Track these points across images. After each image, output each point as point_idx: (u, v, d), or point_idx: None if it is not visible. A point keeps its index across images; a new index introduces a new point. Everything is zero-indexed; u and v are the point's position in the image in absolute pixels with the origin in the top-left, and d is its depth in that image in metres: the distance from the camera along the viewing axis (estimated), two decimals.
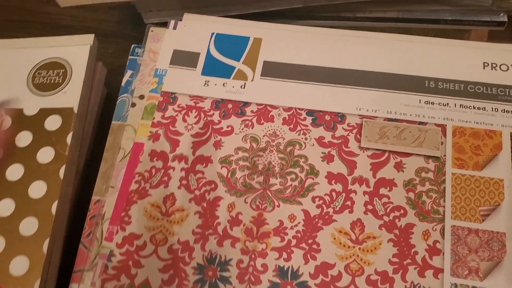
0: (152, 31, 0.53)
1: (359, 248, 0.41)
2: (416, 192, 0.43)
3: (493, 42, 0.51)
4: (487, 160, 0.44)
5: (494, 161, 0.43)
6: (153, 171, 0.45)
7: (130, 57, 0.52)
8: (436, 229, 0.41)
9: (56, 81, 0.49)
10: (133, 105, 0.49)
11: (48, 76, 0.49)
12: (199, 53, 0.51)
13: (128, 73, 0.51)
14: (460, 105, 0.46)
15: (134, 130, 0.47)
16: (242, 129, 0.47)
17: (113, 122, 0.49)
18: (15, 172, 0.45)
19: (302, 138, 0.46)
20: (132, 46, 0.53)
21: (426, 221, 0.42)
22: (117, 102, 0.49)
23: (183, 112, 0.48)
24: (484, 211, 0.42)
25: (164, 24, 0.53)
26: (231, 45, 0.51)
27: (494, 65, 0.48)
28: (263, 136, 0.46)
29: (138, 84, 0.50)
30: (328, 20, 0.57)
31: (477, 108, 0.46)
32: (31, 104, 0.48)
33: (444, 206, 0.42)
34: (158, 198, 0.44)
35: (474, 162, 0.44)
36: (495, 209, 0.42)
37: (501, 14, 0.54)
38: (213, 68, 0.50)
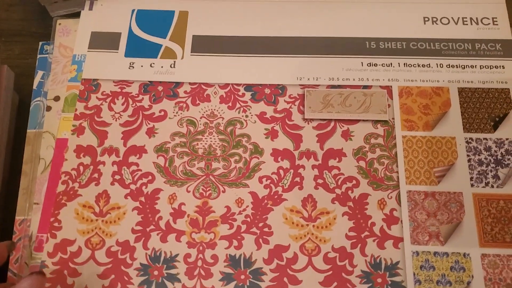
0: (60, 24, 0.47)
1: (313, 226, 0.38)
2: (367, 160, 0.40)
3: None
4: (437, 119, 0.42)
5: (444, 119, 0.41)
6: (81, 168, 0.41)
7: (39, 56, 0.46)
8: (391, 197, 0.39)
9: None
10: (49, 108, 0.43)
11: None
12: (120, 33, 0.46)
13: (39, 74, 0.45)
14: (404, 64, 0.44)
15: (53, 137, 0.42)
16: (177, 112, 0.42)
17: (28, 130, 0.43)
18: None
19: (242, 116, 0.42)
20: (40, 43, 0.47)
21: (380, 189, 0.39)
22: (31, 108, 0.44)
23: (108, 100, 0.43)
24: (439, 172, 0.40)
25: (74, 15, 0.47)
26: (155, 21, 0.46)
27: (434, 19, 0.46)
28: (200, 117, 0.42)
29: (51, 84, 0.44)
30: None
31: (422, 65, 0.44)
32: None
33: (397, 172, 0.40)
34: (89, 197, 0.40)
35: (424, 122, 0.41)
36: (450, 168, 0.40)
37: None
38: (138, 48, 0.45)
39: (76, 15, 0.47)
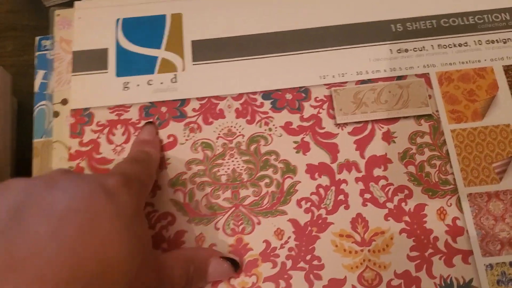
0: (58, 15, 0.40)
1: (369, 250, 0.33)
2: (417, 163, 0.35)
3: None
4: (486, 105, 0.36)
5: (494, 105, 0.36)
6: None
7: (37, 53, 0.40)
8: (451, 204, 0.34)
9: None
10: (56, 114, 0.37)
11: None
12: (106, 49, 0.39)
13: (40, 73, 0.39)
14: (438, 45, 0.38)
15: (66, 147, 0.36)
16: (188, 135, 0.36)
17: (35, 140, 0.37)
18: None
19: (265, 130, 0.36)
20: (37, 38, 0.40)
21: (437, 196, 0.34)
22: (34, 114, 0.38)
23: (105, 131, 0.37)
24: (499, 167, 0.35)
25: (71, 4, 0.40)
26: (145, 30, 0.40)
27: None
28: (217, 138, 0.36)
29: (56, 86, 0.38)
30: None
31: (458, 44, 0.38)
32: None
33: (453, 173, 0.35)
34: None
35: (472, 111, 0.36)
36: (510, 161, 0.35)
37: None
38: (130, 65, 0.39)
39: (70, 4, 0.41)
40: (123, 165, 0.31)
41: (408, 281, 0.32)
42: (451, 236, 0.33)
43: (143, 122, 0.37)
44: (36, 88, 0.39)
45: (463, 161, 0.35)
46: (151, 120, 0.37)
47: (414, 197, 0.34)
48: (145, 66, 0.38)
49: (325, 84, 0.37)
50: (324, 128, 0.36)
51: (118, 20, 0.40)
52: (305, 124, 0.36)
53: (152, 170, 0.33)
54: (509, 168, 0.35)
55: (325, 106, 0.37)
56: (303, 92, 0.37)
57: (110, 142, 0.36)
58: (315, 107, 0.37)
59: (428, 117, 0.36)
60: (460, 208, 0.34)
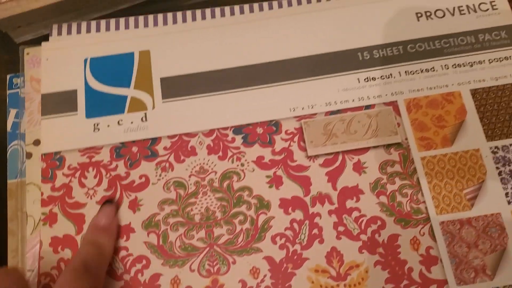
0: (27, 53, 0.40)
1: (345, 285, 0.33)
2: (388, 193, 0.35)
3: None
4: (455, 130, 0.37)
5: (462, 130, 0.37)
6: (62, 265, 0.34)
7: (9, 91, 0.39)
8: (424, 233, 0.34)
9: None
10: (29, 155, 0.37)
11: None
12: (75, 91, 0.39)
13: (12, 112, 0.39)
14: (405, 71, 0.39)
15: (39, 189, 0.36)
16: (160, 175, 0.36)
17: (9, 181, 0.37)
18: None
19: (238, 166, 0.36)
20: (8, 76, 0.40)
21: (410, 226, 0.34)
22: (8, 153, 0.38)
23: (77, 174, 0.37)
24: (470, 193, 0.35)
25: (42, 40, 0.40)
26: (113, 69, 0.39)
27: (428, 14, 0.40)
28: (189, 176, 0.36)
29: (28, 126, 0.38)
30: None
31: (425, 70, 0.39)
32: None
33: (424, 202, 0.35)
34: None
35: (441, 137, 0.37)
36: (481, 187, 0.35)
37: None
38: (100, 105, 0.38)
39: (45, 38, 0.40)
40: (71, 277, 0.30)
41: None
42: (425, 266, 0.33)
43: (114, 164, 0.37)
44: (9, 127, 0.39)
45: (434, 189, 0.35)
46: (110, 199, 0.36)
47: (387, 228, 0.34)
48: (115, 106, 0.38)
49: (295, 117, 0.38)
50: (295, 161, 0.36)
51: (86, 60, 0.40)
52: (277, 157, 0.37)
53: (102, 271, 0.32)
54: (480, 194, 0.35)
55: (296, 138, 0.37)
56: (274, 126, 0.37)
57: (82, 185, 0.36)
58: (286, 140, 0.37)
59: (397, 145, 0.36)
60: (433, 237, 0.34)
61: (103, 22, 0.40)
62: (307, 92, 0.38)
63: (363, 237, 0.34)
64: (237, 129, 0.37)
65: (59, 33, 0.40)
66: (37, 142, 0.38)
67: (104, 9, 0.41)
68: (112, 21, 0.40)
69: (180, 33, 0.40)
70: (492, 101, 0.37)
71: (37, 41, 0.40)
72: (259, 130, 0.37)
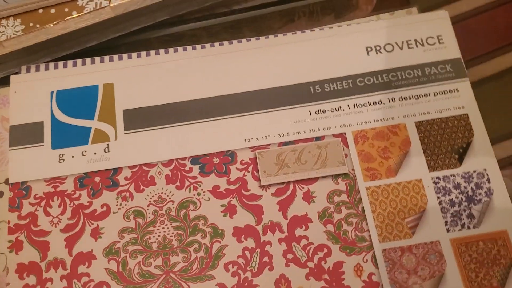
0: None
1: None
2: (335, 222, 0.38)
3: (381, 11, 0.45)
4: (399, 161, 0.39)
5: (406, 161, 0.39)
6: None
7: None
8: (367, 260, 0.36)
9: None
10: (1, 194, 0.39)
11: None
12: (42, 122, 0.41)
13: None
14: (354, 105, 0.41)
15: None
16: (120, 204, 0.38)
17: None
18: None
19: (194, 195, 0.39)
20: None
21: (354, 253, 0.37)
22: None
23: (42, 203, 0.39)
24: (411, 222, 0.37)
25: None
26: (78, 101, 0.41)
27: (378, 48, 0.42)
28: (148, 205, 0.38)
29: (0, 165, 0.40)
30: (202, 20, 0.48)
31: (373, 103, 0.41)
32: None
33: (368, 230, 0.37)
34: None
35: (386, 168, 0.39)
36: (422, 216, 0.37)
37: None
38: (65, 137, 0.40)
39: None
40: None
41: None
42: None
43: (78, 193, 0.39)
44: None
45: (378, 218, 0.37)
46: None
47: (332, 255, 0.37)
48: (79, 137, 0.40)
49: (249, 147, 0.40)
50: (249, 190, 0.39)
51: (52, 92, 0.42)
52: (231, 187, 0.39)
53: None
54: (421, 222, 0.37)
55: (250, 168, 0.39)
56: (230, 156, 0.40)
57: (47, 214, 0.38)
58: (241, 169, 0.39)
59: (344, 175, 0.39)
60: (376, 264, 0.36)
61: (70, 61, 0.42)
62: (261, 123, 0.40)
63: (310, 264, 0.36)
64: (195, 159, 0.40)
65: (28, 71, 0.42)
66: (8, 181, 0.40)
67: (72, 47, 0.43)
68: (79, 60, 0.42)
69: (142, 67, 0.42)
70: (436, 133, 0.40)
71: (7, 81, 0.42)
72: (216, 160, 0.39)
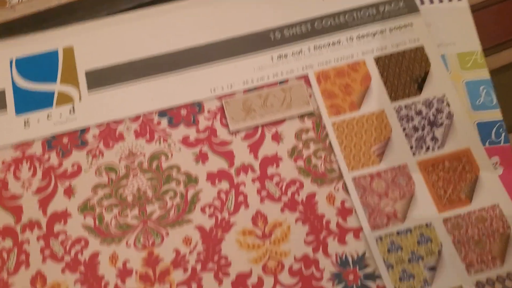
0: None
1: (270, 242, 0.36)
2: (304, 158, 0.38)
3: None
4: (361, 95, 0.40)
5: (368, 94, 0.40)
6: (5, 254, 0.36)
7: None
8: (338, 189, 0.37)
9: None
10: None
11: None
12: (3, 89, 0.40)
13: None
14: (314, 47, 0.42)
15: None
16: (91, 162, 0.38)
17: None
18: None
19: (165, 147, 0.39)
20: None
21: (325, 184, 0.38)
22: None
23: (11, 169, 0.38)
24: (378, 150, 0.38)
25: None
26: (39, 67, 0.41)
27: None
28: (119, 160, 0.38)
29: None
30: None
31: (332, 44, 0.42)
32: None
33: (337, 162, 0.38)
34: (24, 284, 0.35)
35: (349, 103, 0.40)
36: (387, 143, 0.39)
37: None
38: (28, 102, 0.40)
39: None
40: None
41: (308, 263, 0.36)
42: (341, 217, 0.37)
43: (47, 155, 0.39)
44: None
45: (345, 150, 0.38)
46: None
47: (305, 188, 0.38)
48: (43, 101, 0.40)
49: (215, 96, 0.40)
50: (219, 137, 0.39)
51: (11, 60, 0.41)
52: (201, 136, 0.39)
53: None
54: (387, 150, 0.39)
55: (218, 117, 0.40)
56: (197, 106, 0.40)
57: (17, 179, 0.38)
58: (208, 119, 0.40)
59: (310, 114, 0.40)
60: (347, 191, 0.37)
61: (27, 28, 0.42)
62: (225, 73, 0.41)
63: (284, 198, 0.37)
64: (162, 113, 0.40)
65: None
66: None
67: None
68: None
69: (101, 27, 0.42)
70: (394, 66, 0.41)
71: None
72: (183, 112, 0.40)
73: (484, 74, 0.41)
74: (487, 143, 0.39)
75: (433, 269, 0.35)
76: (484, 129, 0.39)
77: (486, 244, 0.36)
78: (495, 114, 0.39)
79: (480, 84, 0.40)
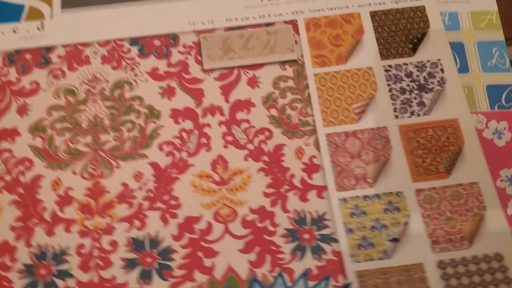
0: None
1: (226, 189, 0.33)
2: (279, 106, 0.35)
3: None
4: (351, 49, 0.37)
5: (358, 49, 0.37)
6: None
7: None
8: (309, 143, 0.34)
9: None
10: None
11: None
12: None
13: None
14: None
15: None
16: (51, 82, 0.36)
17: None
18: None
19: (131, 76, 0.36)
20: None
21: (296, 137, 0.35)
22: None
23: None
24: (358, 108, 0.35)
25: None
26: None
27: None
28: (80, 84, 0.36)
29: None
30: None
31: None
32: None
33: (313, 115, 0.35)
34: None
35: (336, 55, 0.37)
36: (370, 102, 0.35)
37: None
38: None
39: None
40: None
41: (263, 215, 0.33)
42: (307, 173, 0.34)
43: (6, 70, 0.36)
44: None
45: (324, 103, 0.35)
46: None
47: (274, 138, 0.35)
48: (11, 14, 0.38)
49: (194, 31, 0.37)
50: (190, 73, 0.36)
51: None
52: (172, 69, 0.36)
53: None
54: (369, 108, 0.35)
55: (193, 52, 0.37)
56: (172, 39, 0.37)
57: None
58: (182, 53, 0.37)
59: (293, 62, 0.37)
60: (318, 147, 0.34)
61: None
62: (207, 7, 0.38)
63: (250, 146, 0.34)
64: (134, 41, 0.37)
65: None
66: None
67: None
68: None
69: None
70: (390, 23, 0.38)
71: None
72: (156, 42, 0.37)
73: (498, 35, 0.37)
74: (496, 107, 0.35)
75: (395, 240, 0.32)
76: (493, 92, 0.36)
77: (457, 222, 0.32)
78: (507, 78, 0.36)
79: (493, 46, 0.37)
